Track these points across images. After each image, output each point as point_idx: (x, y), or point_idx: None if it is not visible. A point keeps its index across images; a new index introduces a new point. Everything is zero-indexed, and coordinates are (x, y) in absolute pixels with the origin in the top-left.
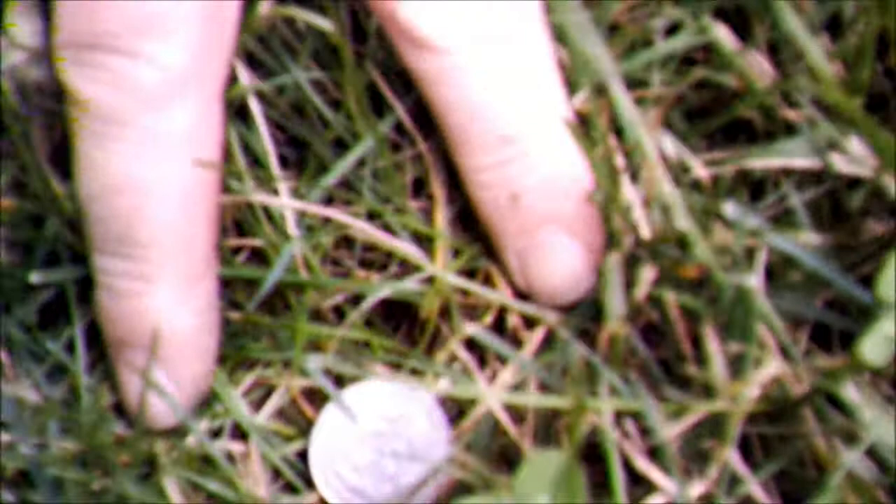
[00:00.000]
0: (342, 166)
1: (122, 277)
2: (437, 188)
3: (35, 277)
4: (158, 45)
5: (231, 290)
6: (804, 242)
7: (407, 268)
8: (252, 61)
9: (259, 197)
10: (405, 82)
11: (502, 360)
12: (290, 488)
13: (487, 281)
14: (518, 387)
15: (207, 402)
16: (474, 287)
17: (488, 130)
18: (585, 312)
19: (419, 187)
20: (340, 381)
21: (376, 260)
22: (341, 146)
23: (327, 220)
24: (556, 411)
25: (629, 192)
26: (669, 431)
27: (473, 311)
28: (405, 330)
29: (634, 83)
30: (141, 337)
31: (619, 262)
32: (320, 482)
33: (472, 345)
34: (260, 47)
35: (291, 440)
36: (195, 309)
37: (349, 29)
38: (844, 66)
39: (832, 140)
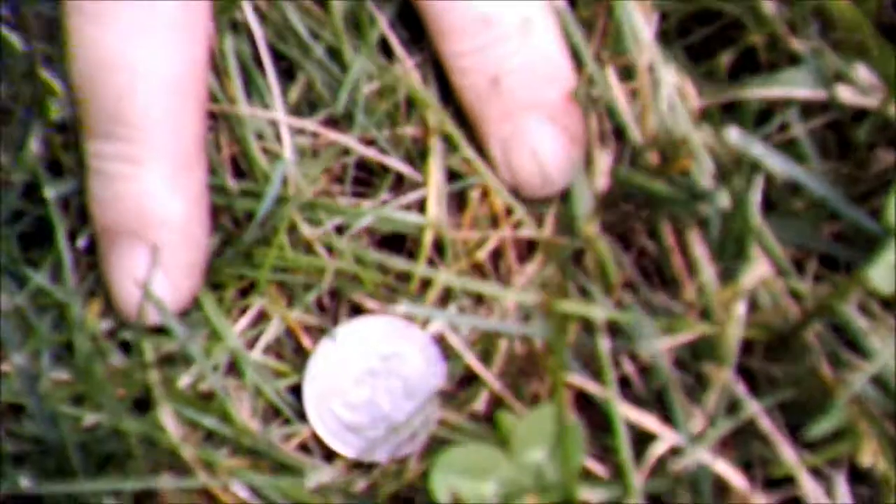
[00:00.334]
0: (349, 82)
1: (113, 160)
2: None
3: (52, 192)
4: None
5: (226, 224)
6: (810, 170)
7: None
8: None
9: (252, 110)
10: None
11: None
12: (284, 423)
13: (484, 197)
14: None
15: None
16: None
17: (467, 15)
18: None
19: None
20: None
21: (369, 194)
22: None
23: (316, 153)
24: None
25: (618, 93)
26: (661, 344)
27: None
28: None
29: None
30: (131, 223)
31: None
32: (314, 420)
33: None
34: None
35: (284, 376)
36: (186, 197)
37: None
38: None
39: (837, 71)
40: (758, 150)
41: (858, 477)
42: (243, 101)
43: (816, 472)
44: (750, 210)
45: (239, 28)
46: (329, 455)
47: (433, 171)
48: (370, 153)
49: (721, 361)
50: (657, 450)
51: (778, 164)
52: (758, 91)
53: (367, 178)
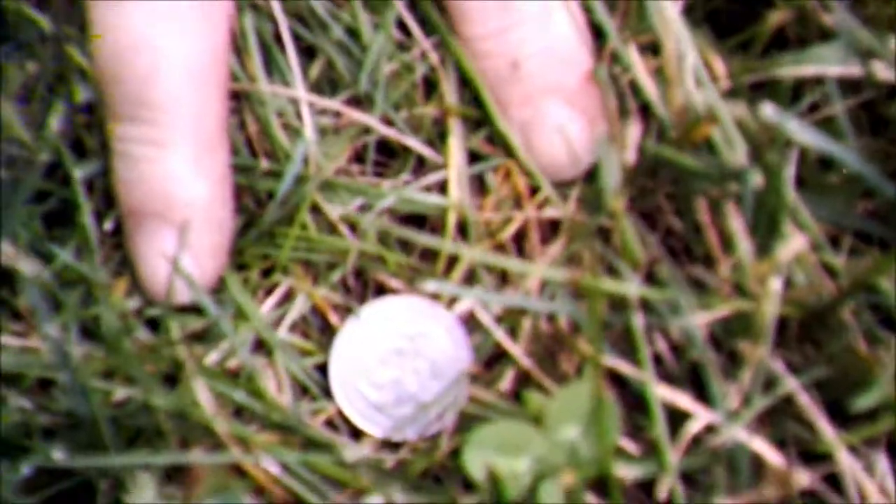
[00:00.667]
0: (369, 62)
1: (137, 143)
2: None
3: (79, 172)
4: None
5: (248, 205)
6: (845, 145)
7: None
8: None
9: (273, 87)
10: None
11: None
12: (311, 401)
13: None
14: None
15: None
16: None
17: None
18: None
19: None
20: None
21: (389, 176)
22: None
23: (337, 133)
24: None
25: (642, 70)
26: (697, 319)
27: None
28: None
29: None
30: (156, 205)
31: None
32: (341, 398)
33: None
34: None
35: (311, 355)
36: (209, 179)
37: None
38: None
39: (869, 47)
40: (793, 125)
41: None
42: (264, 79)
43: (853, 451)
44: (784, 185)
45: (259, 8)
46: (355, 433)
47: (454, 152)
48: (391, 133)
49: (756, 338)
50: (692, 427)
51: (814, 140)
52: (790, 68)
53: (386, 160)
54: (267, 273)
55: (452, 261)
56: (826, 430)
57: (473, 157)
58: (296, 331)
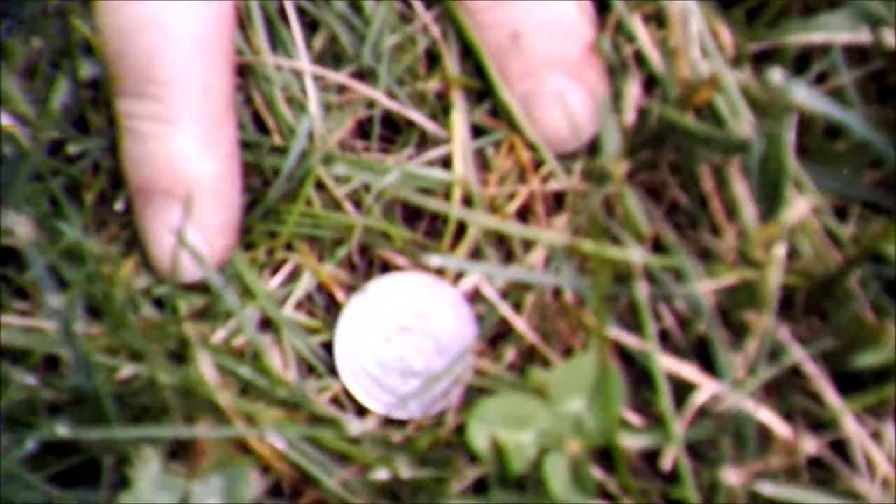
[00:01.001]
0: (372, 35)
1: (145, 120)
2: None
3: (72, 148)
4: None
5: (254, 184)
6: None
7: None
8: None
9: (277, 59)
10: None
11: (528, 246)
12: (316, 379)
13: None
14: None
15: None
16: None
17: None
18: None
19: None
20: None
21: (392, 151)
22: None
23: (342, 108)
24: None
25: (645, 39)
26: (704, 286)
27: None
28: (428, 223)
29: None
30: (165, 182)
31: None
32: (346, 376)
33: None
34: None
35: (316, 333)
36: (217, 154)
37: None
38: None
39: (878, 14)
40: (801, 91)
41: None
42: (268, 52)
43: (860, 421)
44: (785, 151)
45: None
46: (361, 411)
47: (457, 126)
48: (395, 106)
49: (761, 307)
50: (698, 398)
51: (821, 106)
52: (798, 35)
53: (390, 135)
54: (273, 252)
55: (457, 238)
56: (832, 396)
57: (477, 131)
58: (301, 309)
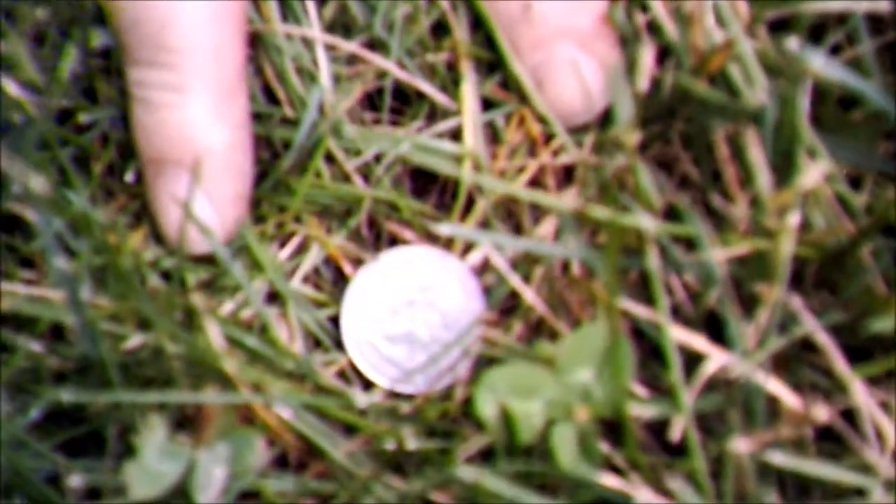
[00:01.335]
0: (383, 4)
1: (156, 88)
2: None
3: (82, 117)
4: None
5: (264, 157)
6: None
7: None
8: None
9: (288, 27)
10: None
11: (537, 219)
12: (323, 352)
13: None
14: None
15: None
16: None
17: None
18: None
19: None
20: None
21: (402, 123)
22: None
23: (352, 79)
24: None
25: (659, 9)
26: (717, 255)
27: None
28: (436, 199)
29: None
30: (176, 151)
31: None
32: (353, 350)
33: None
34: None
35: (324, 306)
36: (229, 125)
37: None
38: None
39: None
40: (817, 59)
41: None
42: (278, 21)
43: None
44: (799, 116)
45: None
46: (367, 385)
47: (467, 98)
48: (406, 77)
49: (773, 277)
50: (708, 368)
51: (837, 74)
52: (816, 3)
53: (399, 107)
54: (282, 225)
55: (466, 211)
56: (841, 365)
57: (487, 104)
58: (309, 283)
